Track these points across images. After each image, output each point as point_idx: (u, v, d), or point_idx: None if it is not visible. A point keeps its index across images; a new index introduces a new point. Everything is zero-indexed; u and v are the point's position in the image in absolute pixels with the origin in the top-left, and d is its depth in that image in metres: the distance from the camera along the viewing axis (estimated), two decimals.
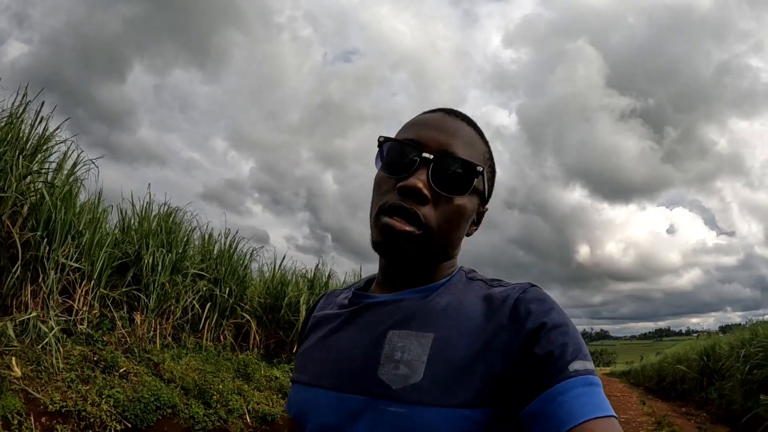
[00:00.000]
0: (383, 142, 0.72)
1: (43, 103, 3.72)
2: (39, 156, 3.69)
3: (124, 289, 3.89)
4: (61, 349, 3.01)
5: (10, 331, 2.90)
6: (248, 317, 5.10)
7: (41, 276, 3.43)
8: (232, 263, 5.14)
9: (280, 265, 6.08)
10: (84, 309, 3.65)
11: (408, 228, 0.65)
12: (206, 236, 5.14)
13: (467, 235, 0.75)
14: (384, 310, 0.69)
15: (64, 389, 2.81)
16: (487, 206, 0.77)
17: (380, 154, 0.72)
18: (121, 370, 3.21)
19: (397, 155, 0.70)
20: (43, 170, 3.70)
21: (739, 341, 8.42)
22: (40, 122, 3.73)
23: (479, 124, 0.75)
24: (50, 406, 2.64)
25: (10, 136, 3.53)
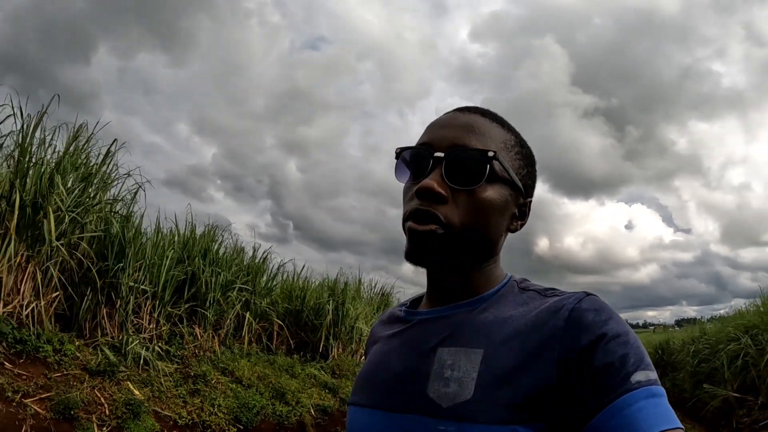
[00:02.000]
0: (400, 152, 0.71)
1: (114, 142, 4.24)
2: (111, 190, 4.22)
3: (185, 305, 4.48)
4: (159, 367, 3.60)
5: (112, 357, 3.48)
6: (279, 321, 5.78)
7: (116, 300, 3.95)
8: (261, 273, 5.81)
9: (299, 274, 6.82)
10: (151, 327, 4.21)
11: (428, 229, 0.64)
12: (238, 249, 5.75)
13: (511, 231, 0.72)
14: (433, 327, 0.68)
15: (181, 404, 3.40)
16: (530, 198, 0.74)
17: (398, 164, 0.71)
18: (213, 381, 3.82)
19: (413, 161, 0.69)
20: (113, 201, 4.23)
21: (690, 338, 9.47)
22: (108, 156, 4.24)
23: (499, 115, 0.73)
24: (179, 421, 3.22)
25: (81, 171, 4.02)
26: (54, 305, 3.56)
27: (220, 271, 4.75)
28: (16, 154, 3.51)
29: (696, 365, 8.23)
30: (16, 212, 3.21)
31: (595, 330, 0.57)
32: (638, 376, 0.53)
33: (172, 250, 4.48)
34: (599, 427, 0.52)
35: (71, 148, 3.79)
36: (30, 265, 3.28)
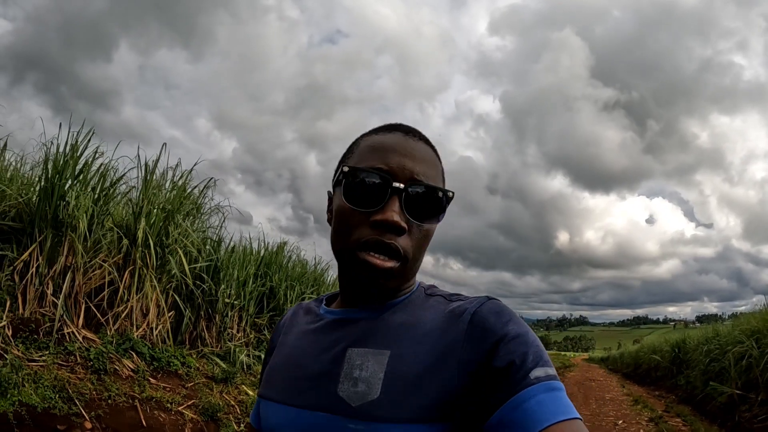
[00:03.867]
0: (349, 172, 0.68)
1: (211, 180, 5.18)
2: (206, 219, 5.18)
3: (267, 314, 5.44)
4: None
5: (225, 366, 4.39)
6: None
7: (214, 314, 4.89)
8: (322, 283, 6.76)
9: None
10: (239, 335, 5.16)
11: (389, 264, 0.65)
12: (302, 261, 6.69)
13: None
14: (344, 328, 0.71)
15: None
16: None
17: (346, 184, 0.68)
18: None
19: (367, 186, 0.67)
20: (209, 229, 5.19)
21: (704, 338, 9.92)
22: (205, 189, 5.17)
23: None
24: None
25: (183, 205, 4.93)
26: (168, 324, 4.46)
27: (294, 284, 5.70)
28: (138, 198, 4.37)
29: (707, 364, 8.72)
30: (151, 251, 4.07)
31: (496, 332, 0.60)
32: (537, 372, 0.56)
33: (253, 268, 5.42)
34: (501, 420, 0.55)
35: (179, 188, 4.73)
36: (154, 294, 4.19)
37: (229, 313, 4.91)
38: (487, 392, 0.57)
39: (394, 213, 0.65)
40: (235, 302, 5.06)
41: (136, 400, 3.25)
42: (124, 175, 4.25)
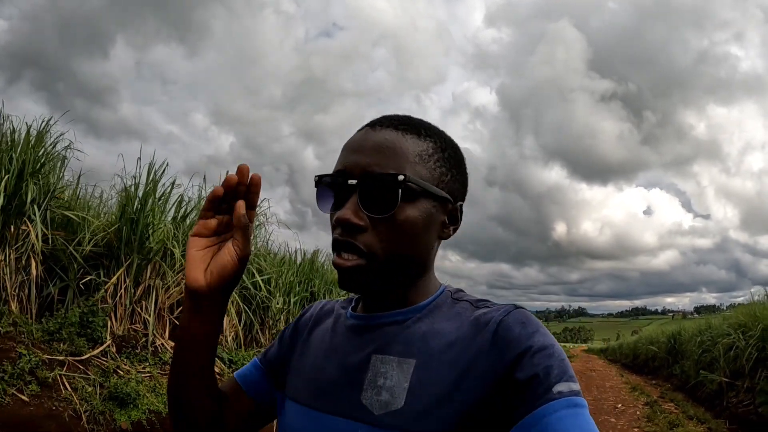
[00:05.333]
0: (317, 182, 0.70)
1: (264, 201, 5.87)
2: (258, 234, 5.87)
3: None
4: None
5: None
6: None
7: (267, 318, 5.59)
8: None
9: None
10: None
11: (351, 263, 0.65)
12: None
13: (443, 238, 0.72)
14: (369, 333, 0.70)
15: None
16: (459, 202, 0.73)
17: (316, 191, 0.70)
18: None
19: (331, 190, 0.69)
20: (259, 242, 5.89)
21: (698, 330, 10.46)
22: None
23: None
24: None
25: None
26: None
27: (332, 288, 6.42)
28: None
29: (700, 354, 9.30)
30: None
31: (521, 343, 0.59)
32: (560, 387, 0.56)
33: (296, 276, 6.12)
34: None
35: None
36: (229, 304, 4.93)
37: (279, 317, 5.60)
38: (509, 405, 0.57)
39: (347, 211, 0.65)
40: (283, 307, 5.76)
41: None
42: (198, 203, 4.92)
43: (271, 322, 5.54)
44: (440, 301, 0.71)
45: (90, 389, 3.20)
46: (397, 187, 0.64)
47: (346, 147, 0.71)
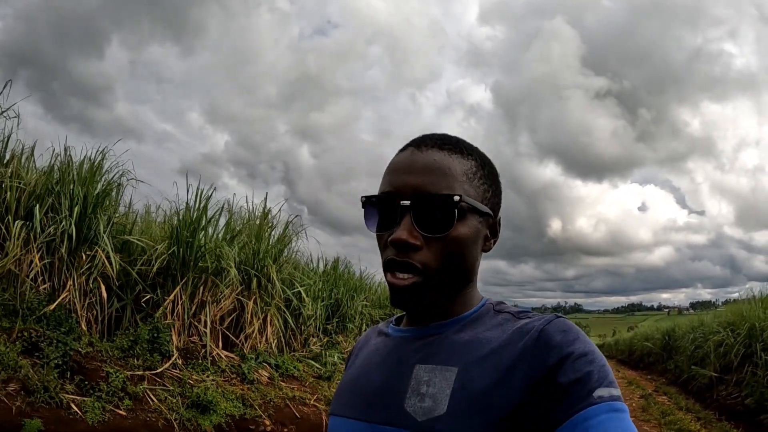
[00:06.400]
0: (365, 202, 0.74)
1: (296, 216, 6.40)
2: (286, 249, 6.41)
3: (335, 320, 6.72)
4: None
5: (316, 365, 5.63)
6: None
7: (299, 325, 6.13)
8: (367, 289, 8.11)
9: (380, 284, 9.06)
10: (314, 340, 6.39)
11: (408, 282, 0.68)
12: (352, 272, 7.98)
13: (485, 250, 0.76)
14: (412, 345, 0.73)
15: None
16: (498, 216, 0.77)
17: (365, 212, 0.74)
18: None
19: (380, 210, 0.72)
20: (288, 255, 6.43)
21: (690, 327, 10.99)
22: (288, 227, 6.36)
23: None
24: None
25: (282, 243, 6.12)
26: None
27: (354, 294, 7.02)
28: (253, 243, 5.55)
29: (692, 350, 9.85)
30: (276, 285, 5.32)
31: (562, 349, 0.61)
32: (601, 392, 0.58)
33: (320, 283, 6.67)
34: None
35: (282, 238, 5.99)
36: (269, 315, 5.42)
37: (310, 323, 6.16)
38: (549, 409, 0.59)
39: (403, 231, 0.67)
40: (312, 314, 6.31)
41: (286, 400, 4.47)
42: (244, 226, 5.47)
43: (303, 328, 6.10)
44: (482, 313, 0.73)
45: (174, 399, 3.70)
46: (453, 207, 0.68)
47: (391, 168, 0.74)
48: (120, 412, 3.34)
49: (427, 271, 0.69)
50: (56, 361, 3.27)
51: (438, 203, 0.68)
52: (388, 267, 0.70)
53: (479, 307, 0.74)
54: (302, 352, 6.00)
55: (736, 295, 11.41)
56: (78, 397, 3.21)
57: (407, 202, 0.68)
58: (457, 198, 0.68)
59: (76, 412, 3.07)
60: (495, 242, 0.77)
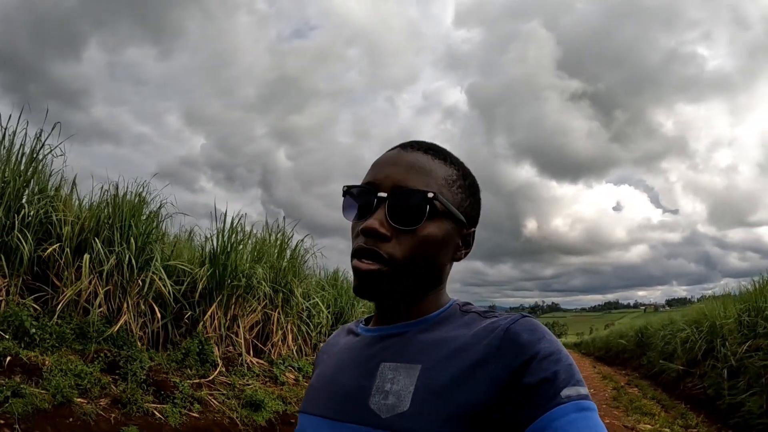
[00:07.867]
0: (346, 191, 0.75)
1: (308, 235, 7.05)
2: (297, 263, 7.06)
3: (340, 325, 7.33)
4: None
5: None
6: None
7: (311, 330, 6.78)
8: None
9: None
10: (322, 345, 7.05)
11: (372, 267, 0.69)
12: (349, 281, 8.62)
13: (455, 260, 0.77)
14: (379, 344, 0.74)
15: None
16: (473, 228, 0.78)
17: (343, 201, 0.76)
18: None
19: (359, 200, 0.74)
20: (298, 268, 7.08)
21: (661, 324, 11.74)
22: (300, 245, 7.01)
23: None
24: None
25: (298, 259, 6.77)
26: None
27: (354, 303, 7.69)
28: (278, 264, 6.21)
29: (663, 346, 10.61)
30: (298, 299, 5.96)
31: (529, 349, 0.61)
32: (568, 391, 0.58)
33: (325, 293, 7.34)
34: None
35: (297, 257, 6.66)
36: (288, 323, 6.08)
37: (320, 330, 6.82)
38: (517, 409, 0.59)
39: (374, 221, 0.69)
40: (321, 321, 6.97)
41: None
42: (265, 246, 6.13)
43: (313, 334, 6.77)
44: (449, 313, 0.74)
45: (230, 401, 4.31)
46: (425, 204, 0.69)
47: (376, 163, 0.76)
48: (193, 414, 3.92)
49: (393, 263, 0.69)
50: (143, 376, 3.83)
51: (412, 198, 0.70)
52: (356, 254, 0.71)
53: (446, 307, 0.75)
54: (314, 356, 6.62)
55: (710, 292, 11.35)
56: (159, 405, 3.78)
57: (384, 194, 0.70)
58: (431, 195, 0.70)
59: (160, 417, 3.64)
60: (466, 253, 0.78)
